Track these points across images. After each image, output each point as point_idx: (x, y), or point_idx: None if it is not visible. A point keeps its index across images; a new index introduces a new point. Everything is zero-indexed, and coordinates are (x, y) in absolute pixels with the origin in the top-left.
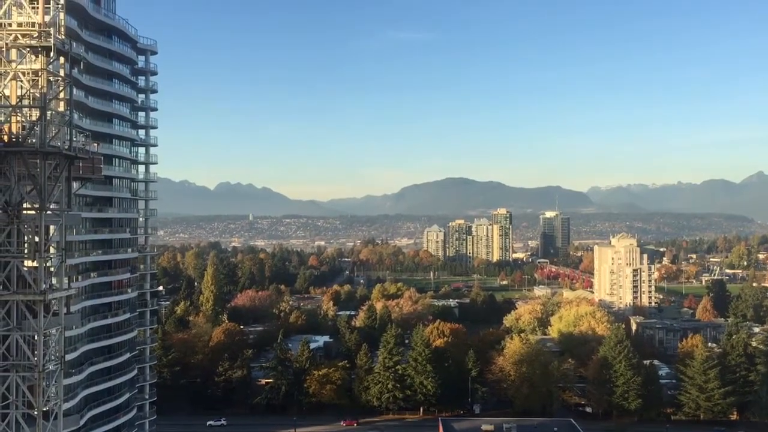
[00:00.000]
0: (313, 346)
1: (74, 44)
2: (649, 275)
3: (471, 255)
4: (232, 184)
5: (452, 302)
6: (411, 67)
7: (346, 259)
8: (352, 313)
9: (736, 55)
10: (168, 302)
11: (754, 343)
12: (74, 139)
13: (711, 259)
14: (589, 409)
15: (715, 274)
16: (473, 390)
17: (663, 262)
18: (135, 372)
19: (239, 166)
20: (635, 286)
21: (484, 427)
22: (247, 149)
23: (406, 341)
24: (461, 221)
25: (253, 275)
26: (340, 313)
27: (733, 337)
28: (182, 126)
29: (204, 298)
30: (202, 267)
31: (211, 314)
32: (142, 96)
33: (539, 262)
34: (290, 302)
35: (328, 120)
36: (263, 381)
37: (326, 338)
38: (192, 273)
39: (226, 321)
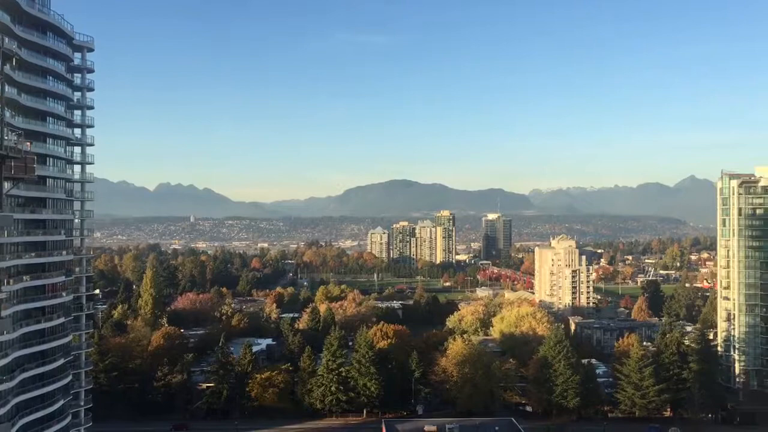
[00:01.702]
0: (255, 349)
1: (6, 40)
2: (588, 276)
3: (415, 257)
4: (172, 185)
5: (396, 304)
6: (357, 70)
7: (289, 261)
8: (296, 315)
9: (672, 63)
10: (105, 306)
11: (686, 342)
12: (6, 137)
13: (646, 261)
14: (529, 408)
15: (649, 275)
16: (416, 391)
17: (601, 264)
18: (70, 378)
19: (180, 166)
20: (574, 287)
21: (426, 427)
22: (188, 150)
23: (350, 343)
24: (405, 223)
25: (194, 278)
26: (283, 315)
27: (667, 336)
28: (121, 125)
29: (143, 301)
30: (141, 270)
31: (150, 318)
32: (78, 94)
33: (482, 264)
34: (232, 305)
35: (272, 122)
36: (204, 385)
37: (269, 341)
38: (130, 276)
39: (166, 325)
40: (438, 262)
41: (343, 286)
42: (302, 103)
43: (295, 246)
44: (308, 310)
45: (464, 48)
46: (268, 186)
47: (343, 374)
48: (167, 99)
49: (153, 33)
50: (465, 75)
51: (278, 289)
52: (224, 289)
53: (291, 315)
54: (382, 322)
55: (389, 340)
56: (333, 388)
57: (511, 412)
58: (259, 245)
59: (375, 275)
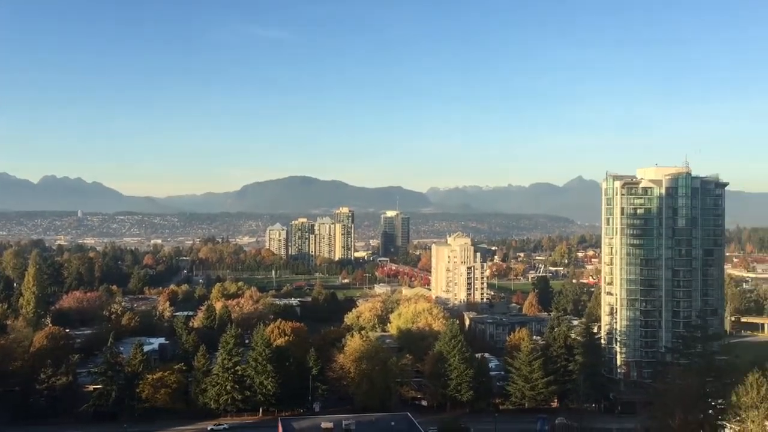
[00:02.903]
0: (147, 348)
1: None
2: (482, 273)
3: (313, 254)
4: (58, 178)
5: (294, 301)
6: (255, 64)
7: (184, 258)
8: (190, 313)
9: (561, 68)
10: None
11: (573, 336)
12: None
13: (537, 258)
14: (425, 403)
15: (540, 272)
16: (314, 388)
17: (494, 260)
18: None
19: (67, 158)
20: (469, 283)
21: (323, 425)
22: (75, 141)
23: (247, 341)
24: (304, 220)
25: (82, 275)
26: (177, 313)
27: (555, 330)
28: (1, 114)
29: (24, 300)
30: (23, 267)
31: (33, 317)
32: None
33: (380, 261)
34: (123, 303)
35: (166, 114)
36: (91, 387)
37: (162, 340)
38: (11, 273)
39: (50, 324)
40: (337, 259)
41: (240, 284)
42: (198, 95)
43: (191, 242)
44: (203, 308)
45: (364, 47)
46: (163, 180)
47: (239, 373)
48: (51, 85)
49: (50, 14)
50: (364, 73)
51: (172, 286)
52: (114, 287)
53: (185, 313)
54: (279, 319)
55: (287, 338)
56: (228, 387)
57: (407, 407)
58: (152, 241)
59: (273, 272)
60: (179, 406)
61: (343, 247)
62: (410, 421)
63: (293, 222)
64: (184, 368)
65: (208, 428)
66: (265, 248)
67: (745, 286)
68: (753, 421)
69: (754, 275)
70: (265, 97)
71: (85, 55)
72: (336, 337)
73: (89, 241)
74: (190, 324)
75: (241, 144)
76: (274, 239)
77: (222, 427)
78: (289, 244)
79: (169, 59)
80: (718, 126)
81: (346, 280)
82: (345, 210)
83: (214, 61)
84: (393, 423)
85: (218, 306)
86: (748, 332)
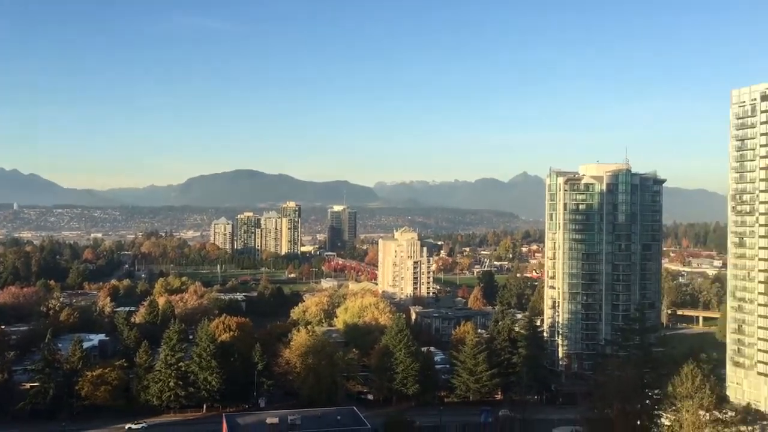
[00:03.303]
0: (86, 345)
1: None
2: (428, 267)
3: (260, 248)
4: None
5: (239, 296)
6: (202, 54)
7: (126, 253)
8: (132, 309)
9: (507, 66)
10: None
11: (516, 329)
12: None
13: (482, 252)
14: (371, 397)
15: (485, 266)
16: (259, 384)
17: (440, 255)
18: None
19: (1, 149)
20: (415, 278)
21: (268, 420)
22: (10, 131)
23: (191, 337)
24: (250, 214)
25: (17, 270)
26: (118, 309)
27: (499, 323)
28: None
29: None
30: None
31: None
32: None
33: (327, 255)
34: (61, 299)
35: (108, 104)
36: (28, 385)
37: (102, 337)
38: None
39: None
40: (283, 253)
41: (184, 278)
42: (140, 85)
43: (133, 236)
44: (146, 303)
45: (306, 40)
46: (103, 173)
47: (183, 369)
48: None
49: None
50: (311, 66)
51: (113, 281)
52: (52, 282)
53: (127, 309)
54: (224, 314)
55: (232, 333)
56: (171, 384)
57: (353, 401)
58: (92, 235)
59: (218, 267)
60: (120, 404)
61: (290, 241)
62: (356, 415)
63: (239, 216)
64: (125, 365)
65: (126, 427)
66: (210, 242)
67: (681, 279)
68: (688, 411)
69: (689, 269)
70: (208, 88)
71: (19, 44)
72: (282, 331)
73: (26, 234)
74: (132, 320)
75: (186, 137)
76: (219, 233)
77: (141, 425)
78: (235, 238)
79: (107, 48)
80: (658, 124)
81: (292, 275)
82: (292, 204)
83: (158, 51)
84: (339, 417)
85: (161, 301)
86: (684, 324)
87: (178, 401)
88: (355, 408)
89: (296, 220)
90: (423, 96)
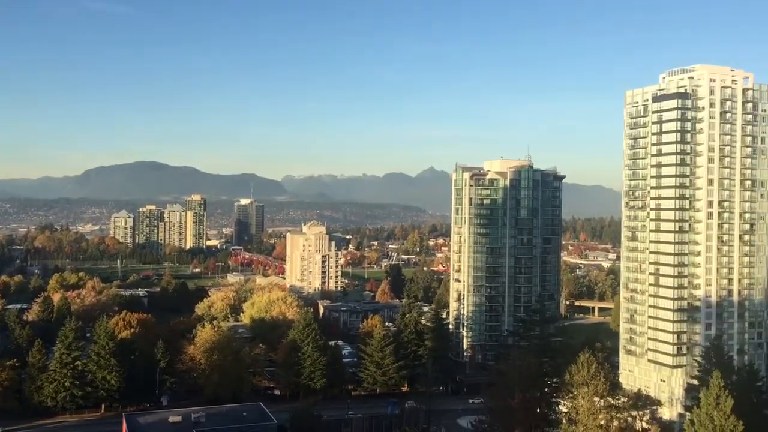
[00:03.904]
0: None
1: None
2: (337, 261)
3: (163, 242)
4: None
5: (141, 291)
6: (103, 40)
7: (18, 247)
8: (25, 306)
9: (415, 61)
10: None
11: (423, 321)
12: None
13: (390, 246)
14: (278, 392)
15: (393, 260)
16: (162, 381)
17: (349, 249)
18: None
19: None
20: (324, 272)
21: (171, 418)
22: None
23: (88, 335)
24: (153, 207)
25: None
26: (9, 306)
27: (406, 316)
28: None
29: None
30: None
31: None
32: None
33: (233, 249)
34: None
35: None
36: None
37: None
38: None
39: None
40: (188, 247)
41: (81, 274)
42: (34, 71)
43: (25, 230)
44: (39, 300)
45: (212, 30)
46: None
47: (80, 368)
48: None
49: None
50: (215, 57)
51: (3, 277)
52: None
53: (19, 306)
54: (125, 311)
55: (133, 330)
56: (67, 384)
57: (259, 397)
58: None
59: (119, 262)
60: (12, 405)
61: (195, 235)
62: (262, 410)
63: (141, 209)
64: (17, 364)
65: None
66: (110, 236)
67: (578, 272)
68: (584, 398)
69: (586, 262)
70: (111, 76)
71: None
72: (186, 328)
73: None
74: (25, 317)
75: (83, 126)
76: (119, 227)
77: None
78: (137, 232)
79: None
80: (559, 122)
81: (197, 270)
82: (197, 197)
83: (55, 35)
84: (245, 413)
85: (56, 298)
86: (581, 315)
87: (75, 402)
88: (261, 404)
89: (202, 213)
90: (331, 90)
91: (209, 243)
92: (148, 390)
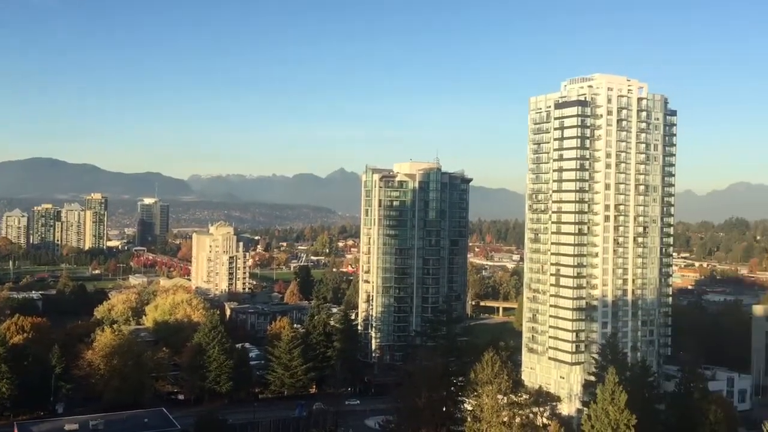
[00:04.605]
0: None
1: None
2: (245, 262)
3: (60, 243)
4: None
5: (35, 294)
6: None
7: None
8: None
9: (325, 60)
10: None
11: (332, 323)
12: None
13: (299, 247)
14: (182, 397)
15: (302, 261)
16: (57, 388)
17: (257, 250)
18: None
19: None
20: (231, 273)
21: (67, 427)
22: None
23: None
24: (49, 206)
25: None
26: None
27: (315, 317)
28: None
29: None
30: None
31: None
32: None
33: (136, 250)
34: None
35: None
36: None
37: None
38: None
39: None
40: (87, 248)
41: None
42: None
43: None
44: None
45: (123, 25)
46: None
47: None
48: None
49: None
50: (120, 52)
51: None
52: None
53: None
54: (17, 314)
55: (26, 335)
56: None
57: (162, 402)
58: None
59: (11, 263)
60: None
61: (95, 235)
62: (165, 416)
63: (36, 208)
64: None
65: None
66: (2, 236)
67: (484, 273)
68: (488, 396)
69: (492, 263)
70: (4, 67)
71: None
72: (84, 332)
73: None
74: None
75: None
76: (12, 226)
77: None
78: (31, 232)
79: None
80: (466, 125)
81: (97, 271)
82: (97, 196)
83: None
84: (146, 420)
85: None
86: (486, 315)
87: None
88: (164, 409)
89: (102, 213)
90: (239, 89)
91: (110, 244)
92: (42, 397)
